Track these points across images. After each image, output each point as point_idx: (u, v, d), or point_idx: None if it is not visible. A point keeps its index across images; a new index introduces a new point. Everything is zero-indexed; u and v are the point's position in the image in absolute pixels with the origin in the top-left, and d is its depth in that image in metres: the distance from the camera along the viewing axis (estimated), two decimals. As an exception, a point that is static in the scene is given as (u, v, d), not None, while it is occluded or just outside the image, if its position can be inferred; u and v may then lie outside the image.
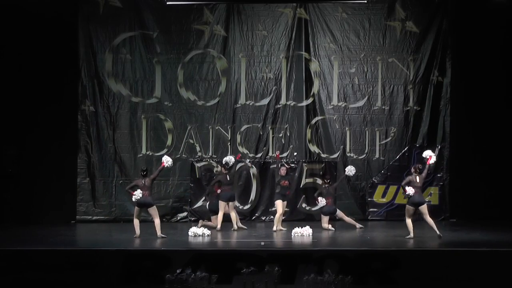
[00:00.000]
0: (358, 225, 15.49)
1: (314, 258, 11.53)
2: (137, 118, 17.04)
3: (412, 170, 14.11)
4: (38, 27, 16.33)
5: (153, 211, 14.07)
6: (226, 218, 15.15)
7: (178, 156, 16.86)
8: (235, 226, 15.09)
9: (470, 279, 11.36)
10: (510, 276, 11.43)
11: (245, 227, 15.47)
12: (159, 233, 13.87)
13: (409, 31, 17.19)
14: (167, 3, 16.17)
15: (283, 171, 15.11)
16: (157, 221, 13.98)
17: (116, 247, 12.21)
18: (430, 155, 14.20)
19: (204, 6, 16.94)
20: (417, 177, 13.91)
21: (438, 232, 13.56)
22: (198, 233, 14.14)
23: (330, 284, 11.32)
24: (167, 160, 14.35)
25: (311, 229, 14.48)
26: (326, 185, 15.51)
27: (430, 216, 13.87)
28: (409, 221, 13.85)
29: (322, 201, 15.31)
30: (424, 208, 13.85)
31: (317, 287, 11.34)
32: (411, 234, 13.67)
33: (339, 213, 15.63)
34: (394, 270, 11.44)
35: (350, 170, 15.75)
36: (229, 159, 15.48)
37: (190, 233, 14.17)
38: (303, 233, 14.37)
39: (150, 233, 14.39)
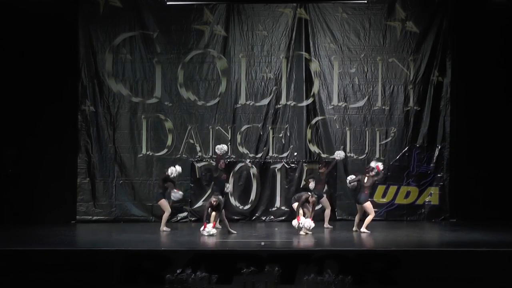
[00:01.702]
0: (326, 224, 15.61)
1: (314, 258, 11.53)
2: (137, 118, 17.02)
3: (365, 171, 14.99)
4: (38, 27, 16.32)
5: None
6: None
7: (178, 156, 16.86)
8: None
9: (470, 279, 11.36)
10: (510, 276, 11.43)
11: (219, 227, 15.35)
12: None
13: (409, 31, 17.19)
14: (167, 3, 16.16)
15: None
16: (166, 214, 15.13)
17: (116, 247, 12.19)
18: (377, 165, 15.03)
19: (204, 6, 16.93)
20: (366, 178, 14.75)
21: (366, 230, 14.60)
22: (212, 232, 14.08)
23: (330, 284, 11.31)
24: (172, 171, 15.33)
25: (312, 222, 14.38)
26: (321, 171, 15.79)
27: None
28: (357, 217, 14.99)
29: (312, 184, 15.43)
30: (361, 207, 14.84)
31: (317, 287, 11.34)
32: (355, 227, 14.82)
33: (324, 200, 15.80)
34: (394, 270, 11.43)
35: (338, 154, 16.12)
36: (221, 146, 15.47)
37: (205, 233, 14.07)
38: (304, 225, 14.26)
39: (151, 233, 14.43)
